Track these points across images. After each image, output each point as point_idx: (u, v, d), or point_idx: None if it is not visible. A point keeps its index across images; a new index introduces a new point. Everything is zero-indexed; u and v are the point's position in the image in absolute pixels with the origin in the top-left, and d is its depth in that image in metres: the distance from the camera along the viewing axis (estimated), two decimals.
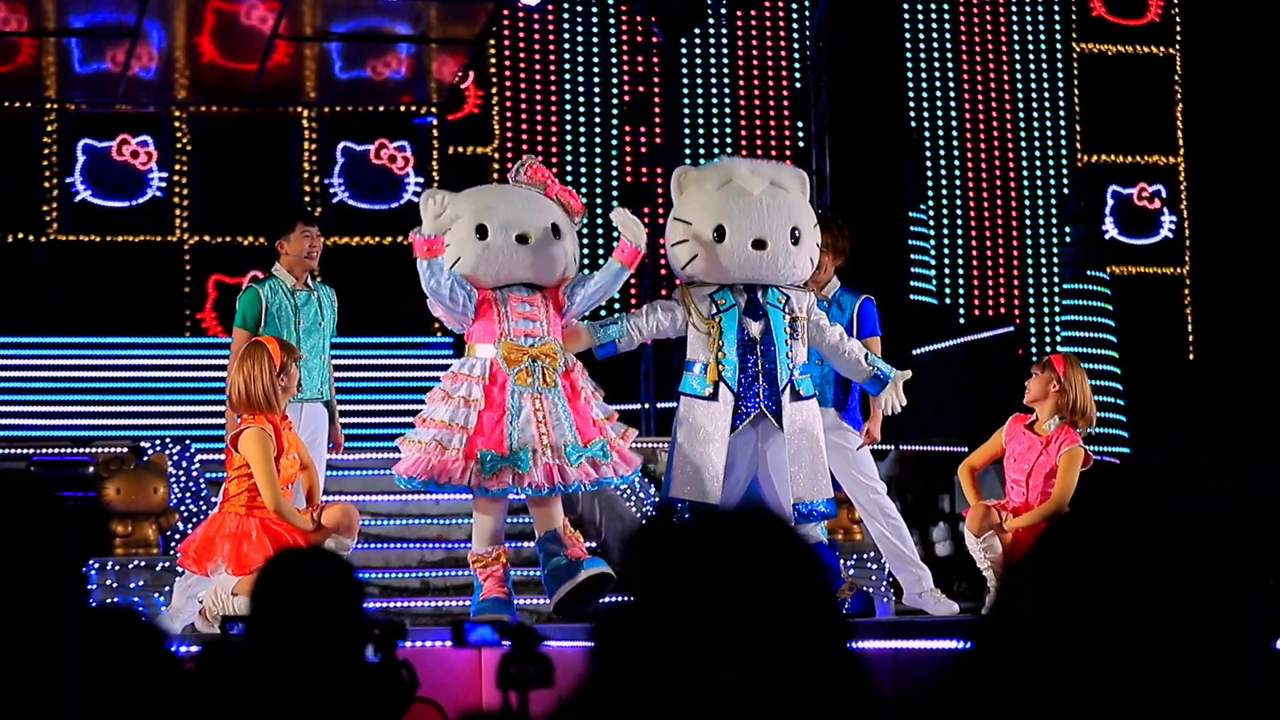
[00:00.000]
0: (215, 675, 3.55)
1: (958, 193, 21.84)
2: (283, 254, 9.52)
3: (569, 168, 20.09)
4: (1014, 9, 22.15)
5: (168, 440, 12.44)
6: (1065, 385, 8.87)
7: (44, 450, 13.14)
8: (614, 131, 20.59)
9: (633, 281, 20.13)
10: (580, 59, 20.67)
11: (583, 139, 20.51)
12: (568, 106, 20.55)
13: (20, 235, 17.58)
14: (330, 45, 17.12)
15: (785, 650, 2.40)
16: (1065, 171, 22.17)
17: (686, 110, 20.63)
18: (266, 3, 15.96)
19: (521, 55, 20.51)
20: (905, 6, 21.62)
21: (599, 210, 20.07)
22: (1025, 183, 22.09)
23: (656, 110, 19.27)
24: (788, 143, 21.01)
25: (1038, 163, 22.15)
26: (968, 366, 18.11)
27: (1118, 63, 22.45)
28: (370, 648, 3.56)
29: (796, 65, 21.11)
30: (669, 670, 2.38)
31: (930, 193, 21.55)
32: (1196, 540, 2.38)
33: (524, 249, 8.37)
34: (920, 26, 21.83)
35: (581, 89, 20.60)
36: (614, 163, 20.57)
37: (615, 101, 20.60)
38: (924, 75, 21.82)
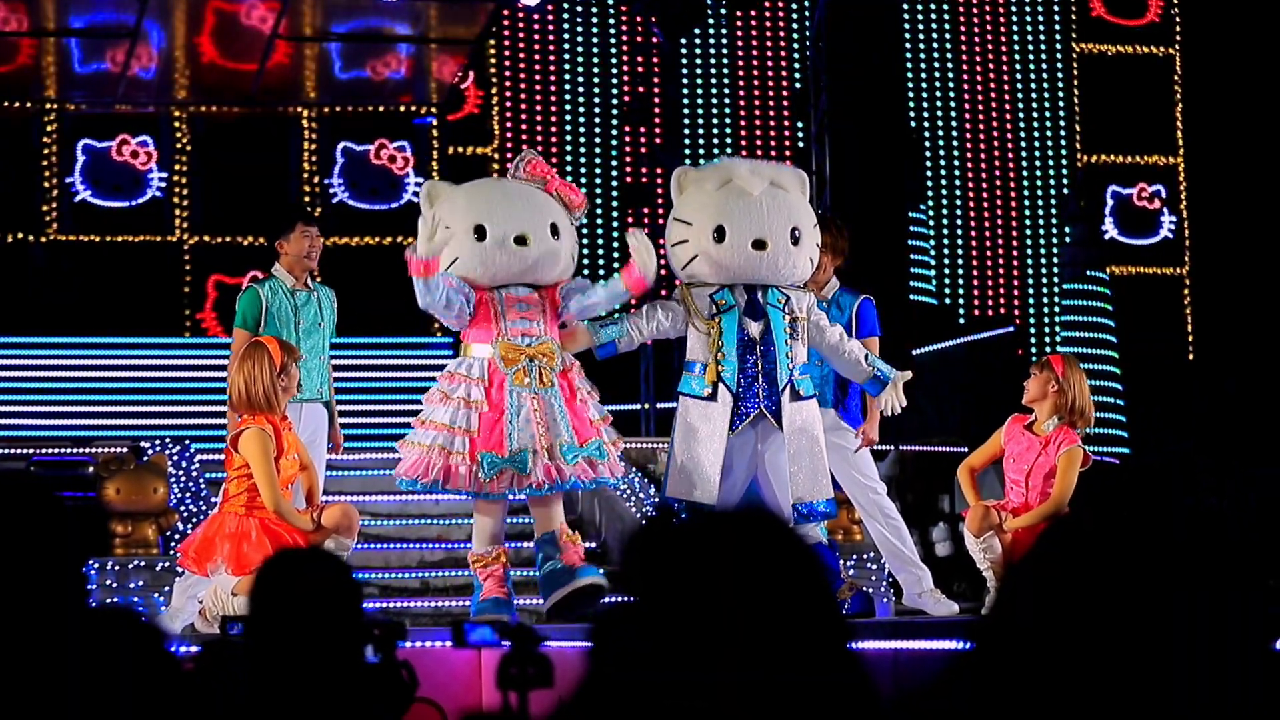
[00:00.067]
0: (215, 675, 3.55)
1: (958, 193, 21.84)
2: (282, 254, 9.52)
3: (569, 168, 20.08)
4: (1014, 9, 22.15)
5: (168, 440, 12.44)
6: (1064, 385, 8.87)
7: (44, 450, 13.14)
8: (614, 131, 20.59)
9: None
10: (580, 59, 20.67)
11: (583, 139, 20.51)
12: (568, 106, 20.55)
13: (20, 235, 17.58)
14: (330, 45, 17.11)
15: (785, 650, 2.40)
16: (1065, 171, 22.18)
17: (686, 110, 20.63)
18: (266, 3, 15.96)
19: (521, 55, 20.51)
20: (905, 6, 21.62)
21: (598, 210, 20.07)
22: (1025, 183, 22.09)
23: (656, 110, 19.28)
24: (788, 143, 21.01)
25: (1038, 163, 22.15)
26: (967, 367, 18.11)
27: (1117, 63, 22.45)
28: (370, 648, 3.56)
29: (796, 65, 21.11)
30: (668, 670, 2.38)
31: (930, 193, 21.55)
32: (1196, 540, 2.38)
33: (522, 250, 8.36)
34: (920, 26, 21.84)
35: (581, 89, 20.60)
36: (614, 163, 20.57)
37: (615, 101, 20.60)
38: (924, 75, 21.82)
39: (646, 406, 15.88)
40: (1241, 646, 2.33)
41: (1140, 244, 22.38)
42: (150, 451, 11.79)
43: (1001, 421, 9.10)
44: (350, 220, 18.10)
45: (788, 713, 2.38)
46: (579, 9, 20.67)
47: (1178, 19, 22.55)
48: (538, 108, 20.46)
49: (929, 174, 21.63)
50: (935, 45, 21.89)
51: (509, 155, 19.93)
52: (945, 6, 21.94)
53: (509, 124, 20.28)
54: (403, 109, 18.25)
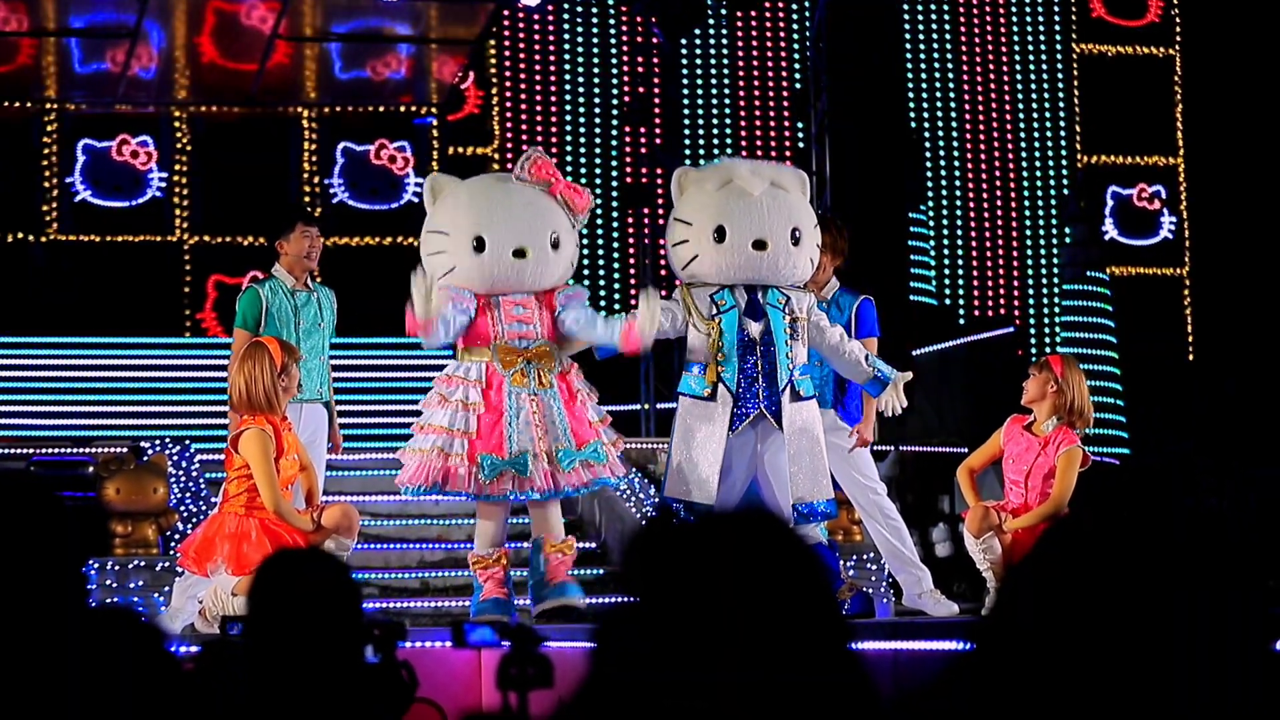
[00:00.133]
0: (215, 675, 3.55)
1: (958, 193, 21.84)
2: (282, 254, 9.52)
3: (569, 168, 20.08)
4: (1014, 9, 22.15)
5: (168, 440, 12.44)
6: (1063, 386, 8.87)
7: (44, 450, 13.14)
8: (614, 132, 20.58)
9: (632, 282, 20.14)
10: (580, 59, 20.67)
11: (583, 139, 20.51)
12: (568, 107, 20.55)
13: (20, 235, 17.58)
14: (330, 45, 17.11)
15: (785, 651, 2.40)
16: (1065, 172, 22.17)
17: (686, 110, 20.63)
18: (266, 3, 15.96)
19: (521, 55, 20.51)
20: (905, 7, 21.62)
21: (598, 211, 20.06)
22: (1025, 183, 22.09)
23: (656, 111, 19.27)
24: (788, 143, 21.01)
25: (1038, 163, 22.15)
26: (968, 367, 18.10)
27: (1118, 63, 22.45)
28: (370, 648, 3.56)
29: (796, 66, 21.11)
30: (669, 671, 2.38)
31: (930, 193, 21.54)
32: (1196, 541, 2.38)
33: (519, 263, 8.34)
34: (920, 26, 21.84)
35: (581, 89, 20.59)
36: (614, 163, 20.58)
37: (615, 102, 20.60)
38: (924, 75, 21.82)
39: (646, 406, 15.88)
40: (1241, 647, 2.33)
41: (1140, 244, 22.38)
42: (150, 451, 11.79)
43: (1001, 422, 9.10)
44: (350, 220, 18.10)
45: (788, 713, 2.38)
46: (579, 9, 20.67)
47: (1178, 19, 22.56)
48: (538, 108, 20.45)
49: (929, 174, 21.63)
50: (935, 45, 21.89)
51: (509, 155, 19.94)
52: (945, 7, 21.94)
53: (509, 124, 20.28)
54: (403, 109, 18.25)
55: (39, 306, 17.13)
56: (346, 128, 18.23)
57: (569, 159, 20.29)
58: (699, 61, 21.07)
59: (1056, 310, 21.50)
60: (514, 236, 8.32)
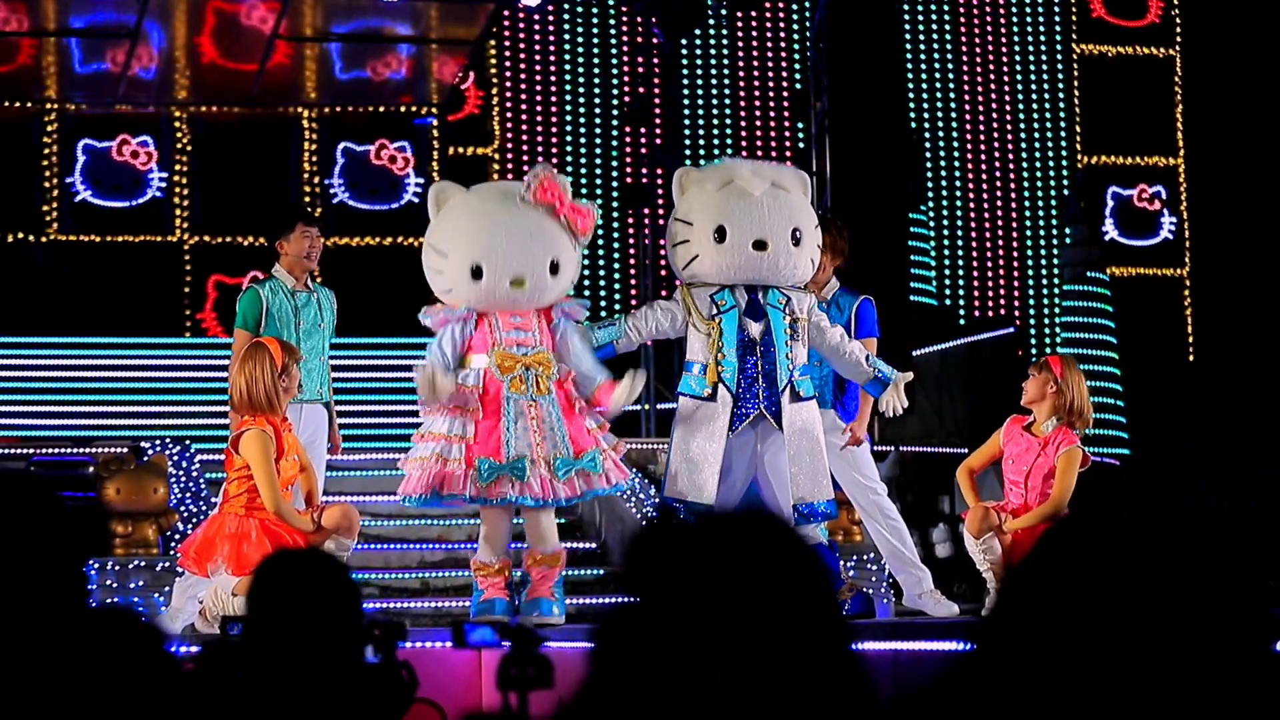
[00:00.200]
0: (215, 675, 3.55)
1: (958, 193, 21.84)
2: (283, 254, 9.52)
3: (569, 168, 20.08)
4: (1014, 10, 22.15)
5: (168, 440, 12.44)
6: (1062, 386, 8.87)
7: (44, 450, 13.14)
8: (614, 132, 20.58)
9: (632, 282, 20.14)
10: (580, 59, 20.66)
11: (583, 139, 20.50)
12: (568, 107, 20.54)
13: (20, 235, 17.58)
14: (330, 46, 17.11)
15: (786, 651, 2.40)
16: (1065, 172, 22.17)
17: (687, 111, 20.62)
18: (267, 3, 15.96)
19: (522, 56, 20.50)
20: (905, 7, 21.61)
21: (598, 211, 20.04)
22: (1025, 184, 22.09)
23: (657, 111, 19.27)
24: (788, 143, 21.01)
25: (1038, 164, 22.15)
26: (968, 367, 18.10)
27: (1118, 64, 22.45)
28: (370, 648, 3.56)
29: (796, 66, 21.11)
30: (670, 671, 2.38)
31: (930, 193, 21.54)
32: (1196, 542, 2.38)
33: (516, 292, 8.31)
34: (920, 27, 21.83)
35: (581, 89, 20.59)
36: (614, 163, 20.57)
37: (615, 102, 20.60)
38: (924, 75, 21.82)
39: (646, 407, 15.87)
40: (1241, 647, 2.33)
41: (1140, 245, 22.38)
42: (150, 452, 11.79)
43: (1001, 422, 9.10)
44: (350, 221, 18.10)
45: (788, 713, 2.38)
46: (579, 9, 20.67)
47: (1178, 20, 22.55)
48: (538, 108, 20.45)
49: (929, 175, 21.62)
50: (935, 46, 21.88)
51: (509, 156, 19.95)
52: (945, 7, 21.94)
53: (509, 124, 20.28)
54: (403, 109, 18.25)
55: (39, 306, 17.13)
56: (347, 128, 18.23)
57: (569, 159, 20.29)
58: (699, 61, 21.07)
59: (1056, 310, 21.50)
60: (512, 266, 8.27)
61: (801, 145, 19.86)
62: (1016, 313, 21.85)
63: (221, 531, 8.01)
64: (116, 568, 10.71)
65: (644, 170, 20.11)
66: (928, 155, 21.65)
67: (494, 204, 8.45)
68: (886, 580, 11.15)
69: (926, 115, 21.74)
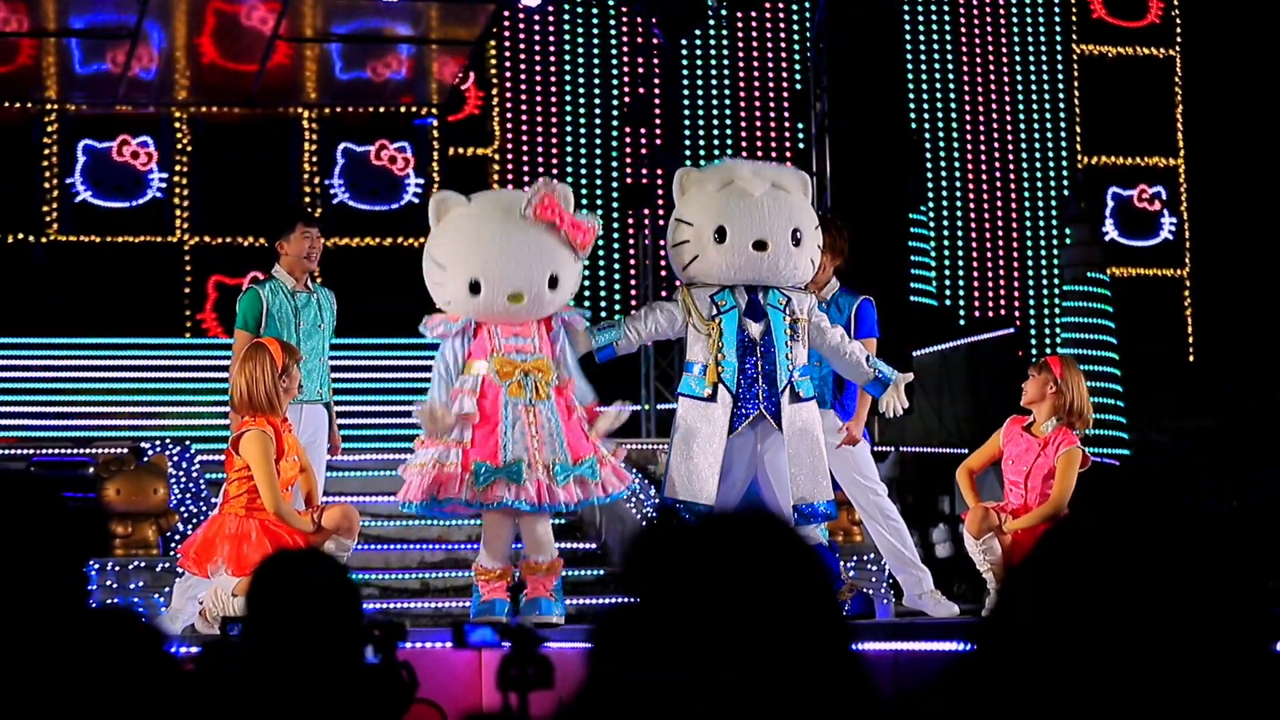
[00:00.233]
0: (215, 676, 3.55)
1: (958, 193, 21.84)
2: (283, 255, 9.52)
3: (569, 168, 20.08)
4: (1014, 10, 22.15)
5: (168, 441, 12.44)
6: (1062, 386, 8.87)
7: (44, 451, 13.15)
8: (614, 132, 20.58)
9: (632, 283, 20.14)
10: (580, 60, 20.66)
11: (583, 140, 20.50)
12: (568, 107, 20.54)
13: (20, 235, 17.58)
14: (330, 46, 17.12)
15: (786, 652, 2.40)
16: (1065, 173, 22.17)
17: (687, 111, 20.62)
18: (267, 4, 15.96)
19: (522, 56, 20.50)
20: (905, 7, 21.61)
21: (599, 211, 20.05)
22: (1025, 184, 22.09)
23: (657, 111, 19.27)
24: (788, 144, 21.01)
25: (1038, 164, 22.15)
26: (968, 368, 18.10)
27: (1118, 64, 22.45)
28: (370, 648, 3.56)
29: (796, 66, 21.11)
30: (669, 672, 2.38)
31: (930, 193, 21.54)
32: (1196, 542, 2.38)
33: (514, 306, 8.30)
34: (920, 27, 21.83)
35: (581, 90, 20.59)
36: (614, 163, 20.57)
37: (615, 102, 20.60)
38: (924, 76, 21.82)
39: (646, 408, 15.88)
40: (1241, 648, 2.33)
41: (1140, 245, 22.38)
42: (150, 452, 11.79)
43: (1001, 423, 9.10)
44: (350, 221, 18.10)
45: (789, 714, 2.38)
46: (579, 9, 20.67)
47: (1178, 20, 22.55)
48: (538, 108, 20.45)
49: (929, 175, 21.62)
50: (935, 46, 21.89)
51: (509, 156, 19.94)
52: (945, 7, 21.94)
53: (509, 125, 20.27)
54: (403, 110, 18.25)
55: (39, 307, 17.14)
56: (347, 128, 18.24)
57: (569, 159, 20.29)
58: (699, 61, 21.07)
59: (1057, 311, 21.50)
60: (510, 282, 8.24)
61: (801, 146, 19.86)
62: (1017, 313, 21.85)
63: (221, 532, 8.01)
64: (116, 568, 10.71)
65: (644, 170, 20.11)
66: (928, 155, 21.65)
67: (494, 218, 8.38)
68: (886, 580, 11.15)
69: (926, 115, 21.75)
